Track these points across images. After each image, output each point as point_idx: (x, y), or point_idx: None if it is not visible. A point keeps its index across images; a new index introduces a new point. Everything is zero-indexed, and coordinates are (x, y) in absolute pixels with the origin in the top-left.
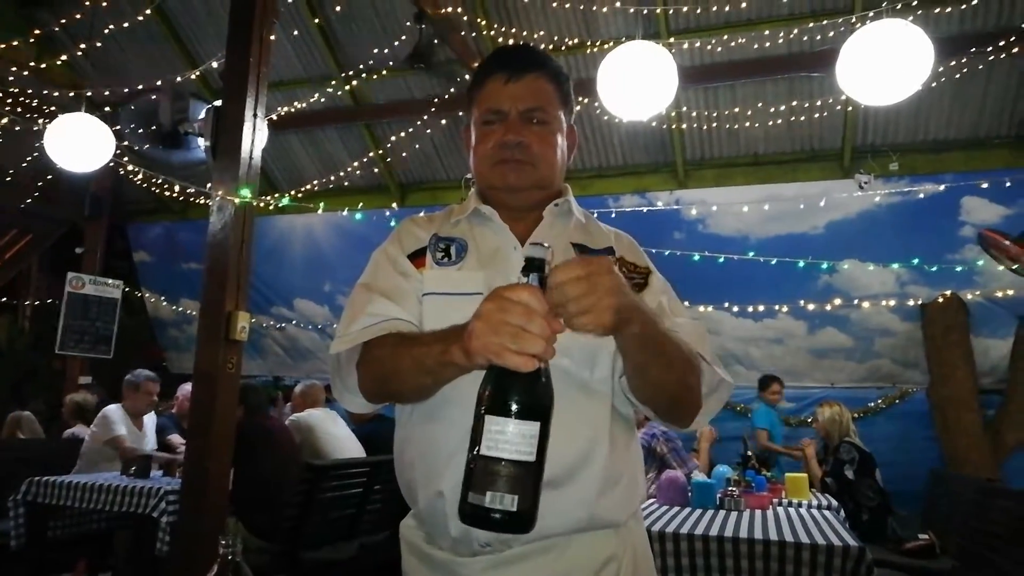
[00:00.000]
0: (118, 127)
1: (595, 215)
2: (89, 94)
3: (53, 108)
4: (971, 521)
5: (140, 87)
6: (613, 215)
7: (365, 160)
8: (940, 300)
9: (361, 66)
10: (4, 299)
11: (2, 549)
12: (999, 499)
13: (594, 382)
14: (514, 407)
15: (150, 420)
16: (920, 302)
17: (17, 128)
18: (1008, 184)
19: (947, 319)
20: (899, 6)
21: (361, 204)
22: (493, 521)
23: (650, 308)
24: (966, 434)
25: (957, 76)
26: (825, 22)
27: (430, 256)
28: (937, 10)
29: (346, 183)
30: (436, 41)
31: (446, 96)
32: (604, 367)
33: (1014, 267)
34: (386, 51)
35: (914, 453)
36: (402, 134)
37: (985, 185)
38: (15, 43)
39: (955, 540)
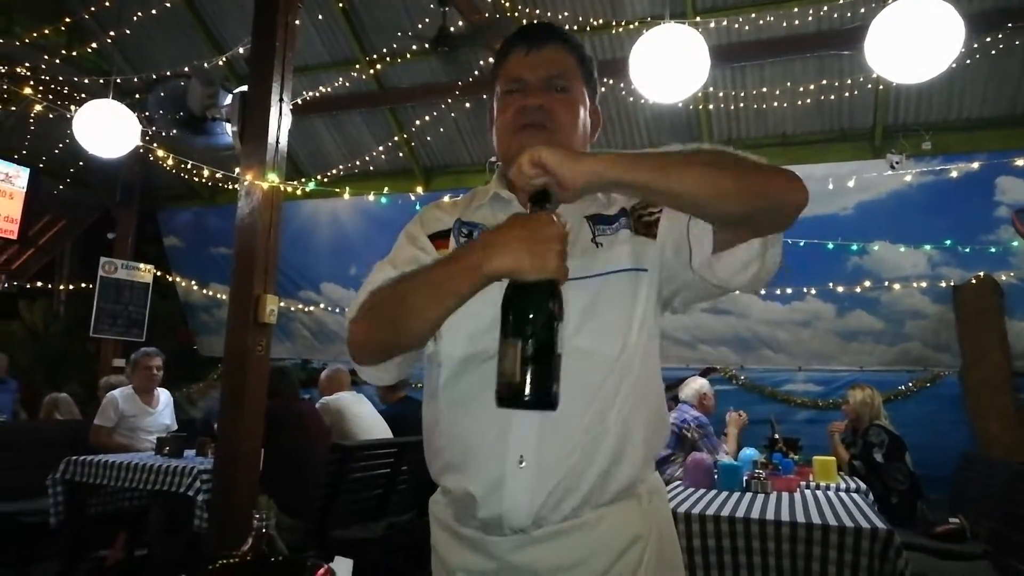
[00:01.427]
0: (146, 113)
1: None
2: (118, 80)
3: (83, 95)
4: (1003, 505)
5: (168, 73)
6: None
7: (390, 144)
8: (973, 282)
9: (385, 50)
10: (39, 284)
11: (42, 526)
12: None
13: (626, 356)
14: (544, 310)
15: (165, 398)
16: (952, 284)
17: (50, 115)
18: None
19: (980, 301)
20: None
21: (386, 188)
22: (525, 400)
23: (616, 153)
24: (999, 417)
25: (992, 52)
26: None
27: (453, 240)
28: None
29: (371, 167)
30: (460, 23)
31: (470, 79)
32: (638, 332)
33: None
34: (410, 34)
35: (945, 437)
36: (426, 118)
37: (1021, 163)
38: (46, 31)
39: (986, 524)
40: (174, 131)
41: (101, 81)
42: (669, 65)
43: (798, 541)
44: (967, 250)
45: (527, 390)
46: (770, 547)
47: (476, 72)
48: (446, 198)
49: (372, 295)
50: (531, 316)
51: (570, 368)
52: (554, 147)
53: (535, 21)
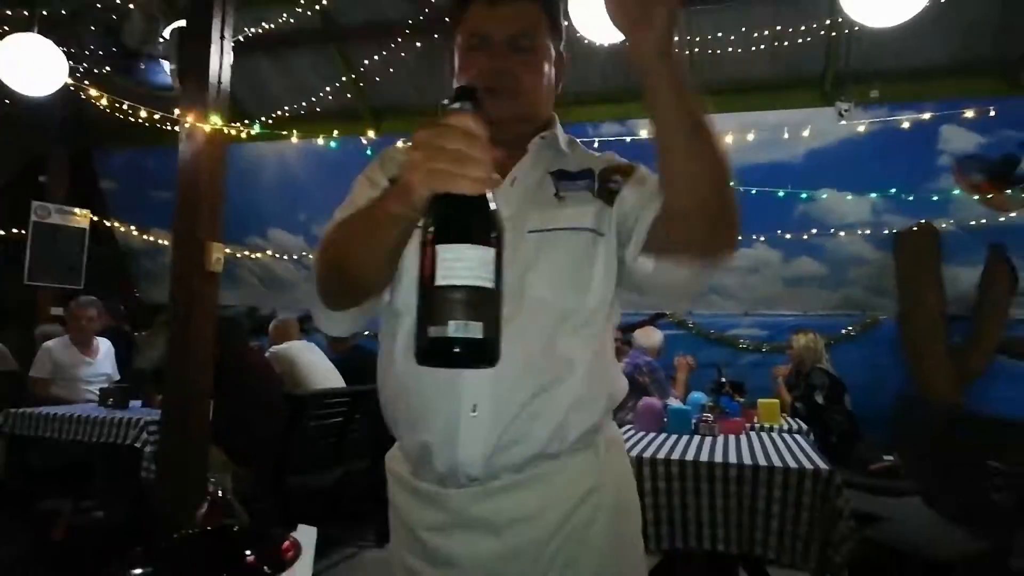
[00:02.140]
0: (73, 50)
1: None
2: (44, 13)
3: (5, 28)
4: (935, 444)
5: (99, 5)
6: (595, 144)
7: (337, 84)
8: (914, 229)
9: None
10: None
11: None
12: (962, 424)
13: (583, 312)
14: (471, 231)
15: (105, 348)
16: (895, 231)
17: None
18: (992, 113)
19: (919, 247)
20: None
21: (336, 132)
22: (456, 354)
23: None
24: (933, 360)
25: (941, 0)
26: None
27: None
28: None
29: (318, 108)
30: None
31: (421, 18)
32: (597, 293)
33: (984, 199)
34: None
35: (884, 379)
36: (375, 58)
37: (970, 113)
38: None
39: (919, 462)
40: (106, 68)
41: (25, 13)
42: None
43: (744, 482)
44: (910, 198)
45: (464, 334)
46: (718, 488)
47: (427, 10)
48: (402, 142)
49: (324, 237)
50: (456, 247)
51: (526, 316)
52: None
53: None
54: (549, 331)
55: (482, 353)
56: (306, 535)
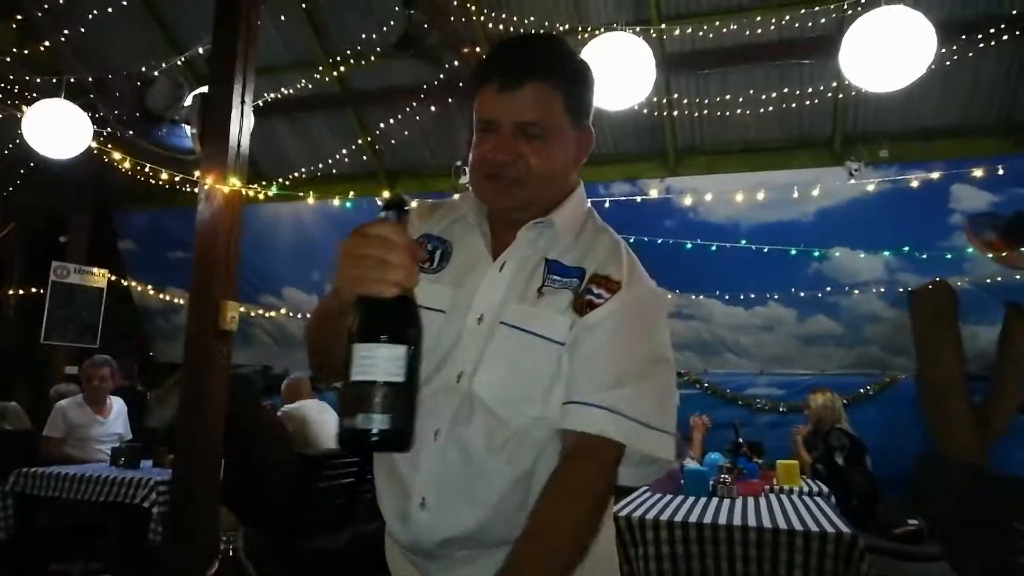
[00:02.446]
0: (99, 114)
1: (593, 214)
2: (71, 80)
3: (34, 95)
4: (959, 505)
5: (125, 73)
6: (606, 204)
7: (353, 147)
8: (929, 287)
9: (349, 52)
10: None
11: None
12: (985, 484)
13: (541, 424)
14: (382, 333)
15: (118, 407)
16: (909, 289)
17: (0, 115)
18: (1001, 172)
19: (935, 305)
20: None
21: (352, 192)
22: (369, 442)
23: None
24: (954, 420)
25: (947, 63)
26: (817, 8)
27: None
28: None
29: (334, 170)
30: (425, 26)
31: (435, 82)
32: (554, 408)
33: (998, 257)
34: (374, 36)
35: (903, 439)
36: (391, 121)
37: (978, 173)
38: None
39: (943, 525)
40: (130, 132)
41: (53, 80)
42: (614, 73)
43: (765, 546)
44: (923, 256)
45: (371, 426)
46: (738, 552)
47: (441, 75)
48: (426, 202)
49: (309, 318)
50: (368, 346)
51: (483, 424)
52: None
53: (511, 39)
54: (506, 442)
55: (389, 442)
56: None
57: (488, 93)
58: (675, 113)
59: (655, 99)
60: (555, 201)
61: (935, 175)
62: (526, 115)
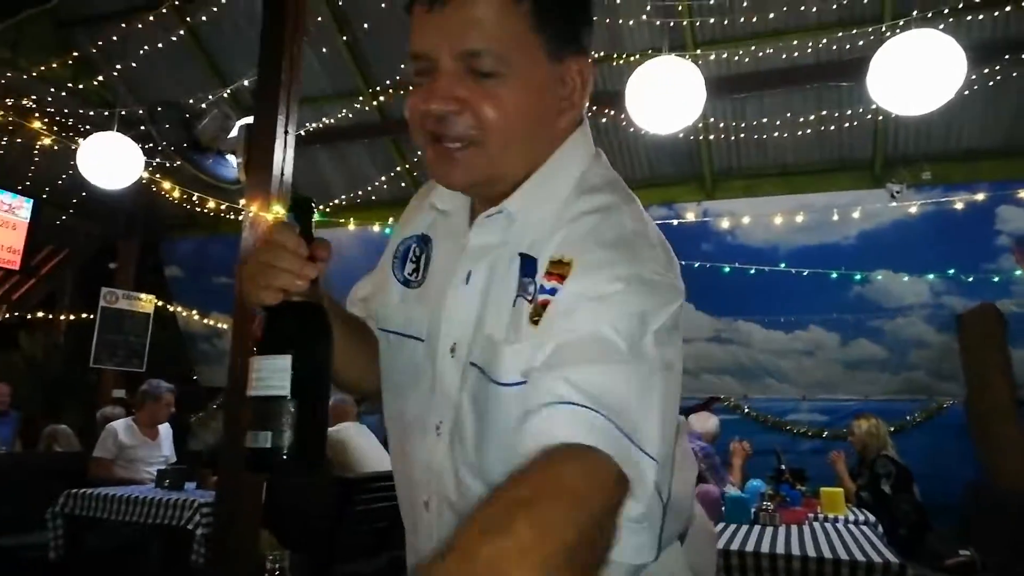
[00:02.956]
0: (150, 144)
1: (598, 167)
2: (123, 112)
3: (88, 127)
4: (1014, 536)
5: (175, 104)
6: None
7: (392, 174)
8: (977, 310)
9: (388, 82)
10: (40, 314)
11: (42, 560)
12: None
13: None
14: (266, 342)
15: (165, 430)
16: (957, 313)
17: (55, 147)
18: None
19: (983, 329)
20: (929, 14)
21: (391, 219)
22: (257, 460)
23: None
24: (1005, 446)
25: (991, 84)
26: (854, 31)
27: (396, 269)
28: (969, 17)
29: (373, 197)
30: None
31: None
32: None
33: None
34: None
35: (952, 467)
36: None
37: (1023, 194)
38: (53, 64)
39: (997, 556)
40: (178, 163)
41: (106, 113)
42: (664, 97)
43: (809, 575)
44: (970, 279)
45: (255, 444)
46: None
47: None
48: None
49: None
50: (255, 359)
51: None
52: None
53: None
54: (512, 436)
55: (271, 462)
56: None
57: (418, 15)
58: (712, 137)
59: (691, 123)
60: (535, 168)
61: (980, 196)
62: (469, 40)
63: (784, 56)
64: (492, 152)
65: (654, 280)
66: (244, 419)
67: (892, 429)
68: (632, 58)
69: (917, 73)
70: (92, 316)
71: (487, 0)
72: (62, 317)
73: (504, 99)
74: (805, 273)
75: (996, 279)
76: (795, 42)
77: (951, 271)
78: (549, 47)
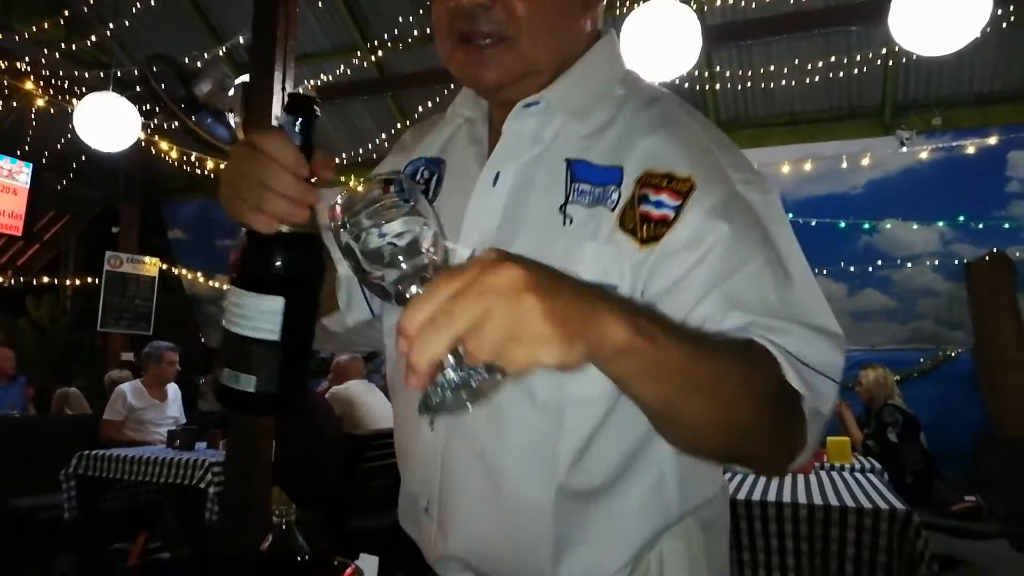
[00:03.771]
0: (148, 106)
1: (635, 79)
2: (118, 73)
3: (84, 89)
4: (1021, 483)
5: (172, 62)
6: None
7: (392, 131)
8: (986, 258)
9: (386, 36)
10: (45, 280)
11: (56, 521)
12: None
13: (578, 404)
14: (255, 278)
15: (173, 392)
16: (965, 261)
17: (51, 110)
18: None
19: (993, 278)
20: None
21: None
22: (235, 401)
23: (635, 313)
24: (1013, 395)
25: (1004, 25)
26: None
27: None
28: None
29: (374, 155)
30: None
31: None
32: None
33: None
34: (411, 20)
35: (959, 416)
36: (429, 104)
37: None
38: (45, 25)
39: (1003, 503)
40: (175, 124)
41: (101, 74)
42: (660, 42)
43: (816, 523)
44: (979, 226)
45: (235, 385)
46: (788, 530)
47: None
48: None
49: None
50: (238, 291)
51: (498, 409)
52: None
53: None
54: (528, 435)
55: (255, 406)
56: (368, 564)
57: None
58: (717, 86)
59: (696, 72)
60: (566, 66)
61: (991, 141)
62: None
63: (791, 1)
64: (523, 47)
65: (761, 186)
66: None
67: (899, 378)
68: (636, 5)
69: (941, 11)
70: (97, 281)
71: None
72: (67, 282)
73: None
74: (813, 223)
75: (1007, 226)
76: None
77: (961, 218)
78: None
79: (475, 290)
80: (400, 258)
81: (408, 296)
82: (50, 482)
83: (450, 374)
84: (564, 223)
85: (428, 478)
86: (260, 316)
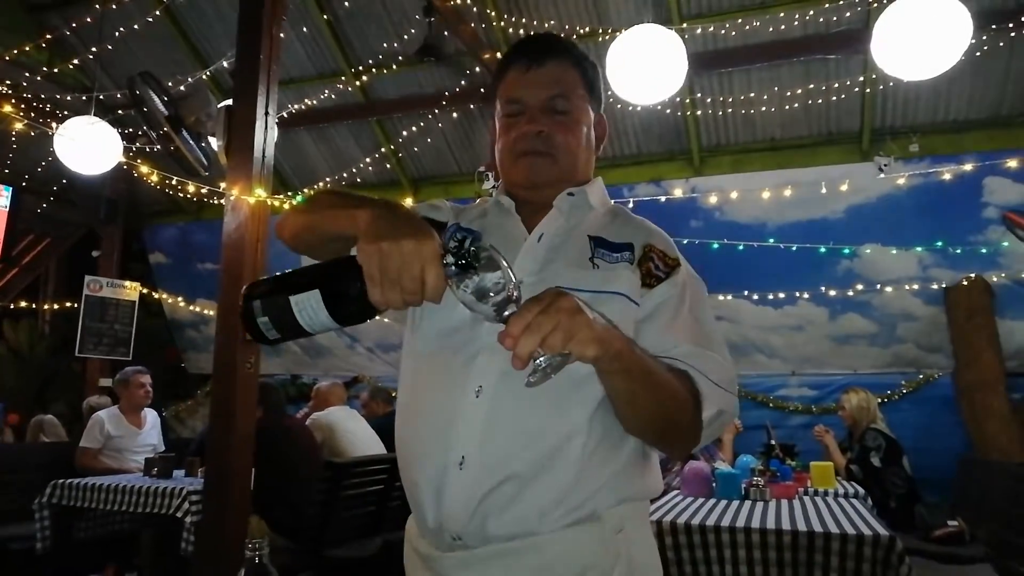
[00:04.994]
0: (129, 130)
1: (620, 206)
2: (100, 96)
3: (65, 112)
4: (1003, 507)
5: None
6: (630, 205)
7: (377, 156)
8: (964, 283)
9: (371, 61)
10: (23, 303)
11: (29, 552)
12: None
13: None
14: (327, 294)
15: (152, 418)
16: (944, 285)
17: (32, 133)
18: None
19: (971, 302)
20: None
21: None
22: (255, 334)
23: (626, 338)
24: (994, 418)
25: (977, 54)
26: (841, 2)
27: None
28: None
29: (358, 179)
30: (446, 33)
31: (457, 89)
32: None
33: None
34: (395, 45)
35: (941, 439)
36: (413, 128)
37: (1013, 164)
38: (27, 47)
39: (986, 526)
40: (157, 147)
41: (83, 98)
42: (646, 66)
43: (799, 549)
44: (958, 251)
45: (265, 332)
46: (771, 556)
47: (463, 82)
48: (447, 201)
49: (318, 194)
50: (328, 314)
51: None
52: (579, 332)
53: (533, 33)
54: (557, 398)
55: (261, 341)
56: None
57: (514, 74)
58: (699, 112)
59: (678, 99)
60: (581, 183)
61: (967, 167)
62: (552, 88)
63: (771, 29)
64: (562, 164)
65: (688, 265)
66: (234, 401)
67: (881, 402)
68: (618, 33)
69: (923, 37)
70: (76, 305)
71: (563, 67)
72: (46, 306)
73: (570, 129)
74: (794, 248)
75: (984, 251)
76: (782, 15)
77: (939, 243)
78: (590, 101)
79: (552, 310)
80: (497, 294)
81: (507, 314)
82: (24, 511)
83: (539, 359)
84: (593, 268)
85: (470, 435)
86: (313, 319)
